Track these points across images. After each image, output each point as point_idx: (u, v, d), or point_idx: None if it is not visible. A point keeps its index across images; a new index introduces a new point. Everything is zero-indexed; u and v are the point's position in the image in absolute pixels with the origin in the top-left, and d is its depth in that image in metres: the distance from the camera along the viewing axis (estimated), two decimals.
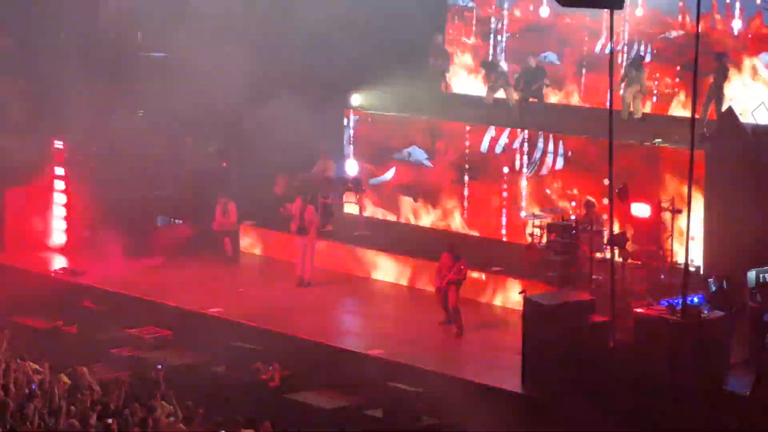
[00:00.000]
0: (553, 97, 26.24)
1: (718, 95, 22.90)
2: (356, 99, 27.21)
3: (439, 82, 27.30)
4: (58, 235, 26.30)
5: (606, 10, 19.26)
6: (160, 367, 19.42)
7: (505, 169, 24.80)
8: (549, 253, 21.10)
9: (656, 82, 25.07)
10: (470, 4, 27.92)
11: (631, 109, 23.86)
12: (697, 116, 19.71)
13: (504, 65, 26.71)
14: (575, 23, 26.25)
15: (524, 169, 24.58)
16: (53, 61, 27.60)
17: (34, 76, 28.02)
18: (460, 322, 20.73)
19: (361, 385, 19.54)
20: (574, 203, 23.51)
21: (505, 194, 24.83)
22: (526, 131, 24.58)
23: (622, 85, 23.76)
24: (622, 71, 24.05)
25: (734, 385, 17.95)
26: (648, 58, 25.19)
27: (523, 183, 24.58)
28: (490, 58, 27.33)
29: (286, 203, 24.11)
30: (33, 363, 18.65)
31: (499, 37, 27.46)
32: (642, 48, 25.24)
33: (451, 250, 21.05)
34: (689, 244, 18.74)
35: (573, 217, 22.13)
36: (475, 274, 22.47)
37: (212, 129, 27.66)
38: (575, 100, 26.35)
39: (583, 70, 26.21)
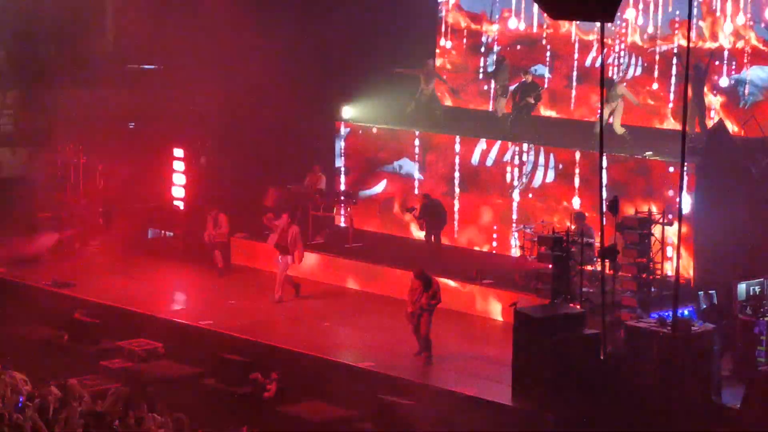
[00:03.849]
0: (544, 110, 26.26)
1: (699, 106, 22.98)
2: (347, 111, 27.24)
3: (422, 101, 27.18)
4: (48, 246, 26.25)
5: (597, 23, 19.39)
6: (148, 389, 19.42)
7: (496, 182, 24.84)
8: (539, 265, 21.09)
9: (640, 92, 25.16)
10: (461, 17, 27.95)
11: (610, 122, 23.87)
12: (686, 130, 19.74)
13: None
14: (566, 36, 26.30)
15: (515, 182, 24.62)
16: (44, 73, 27.64)
17: (25, 87, 28.06)
18: (429, 353, 20.17)
19: (351, 398, 19.52)
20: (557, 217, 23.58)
21: (495, 207, 24.86)
22: (517, 144, 24.61)
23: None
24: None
25: (725, 397, 17.97)
26: (639, 72, 25.25)
27: (514, 195, 24.61)
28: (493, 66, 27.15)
29: (271, 214, 23.96)
30: (20, 374, 18.63)
31: (490, 51, 27.53)
32: (632, 61, 25.30)
33: (419, 275, 20.29)
34: (679, 256, 18.77)
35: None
36: (458, 285, 22.57)
37: (203, 141, 27.71)
38: (565, 113, 26.38)
39: (574, 83, 26.26)
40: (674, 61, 24.83)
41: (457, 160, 25.48)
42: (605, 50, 24.48)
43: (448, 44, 28.03)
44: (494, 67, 26.59)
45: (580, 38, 26.11)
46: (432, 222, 24.44)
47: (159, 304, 23.34)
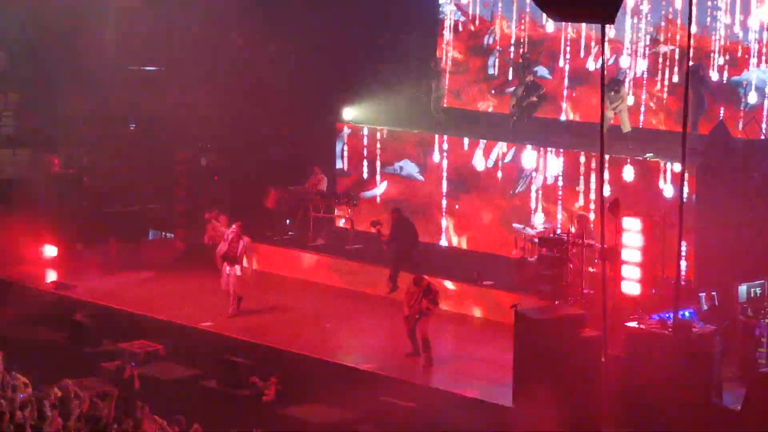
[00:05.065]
0: (545, 112, 26.24)
1: (700, 107, 22.97)
2: (348, 112, 27.23)
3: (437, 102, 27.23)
4: (49, 248, 26.25)
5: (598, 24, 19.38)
6: (133, 364, 19.52)
7: (497, 183, 24.83)
8: (540, 267, 21.09)
9: (645, 96, 25.16)
10: (462, 18, 27.94)
11: (613, 123, 23.86)
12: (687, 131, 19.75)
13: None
14: (567, 37, 26.29)
15: (516, 183, 24.60)
16: (46, 75, 27.65)
17: (26, 90, 28.08)
18: (429, 354, 20.22)
19: (352, 400, 19.51)
20: (564, 216, 23.57)
21: (496, 208, 24.85)
22: (518, 145, 24.60)
23: (607, 103, 23.73)
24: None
25: (726, 399, 17.96)
26: (640, 73, 25.24)
27: (515, 197, 24.59)
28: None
29: (210, 216, 23.40)
30: (21, 376, 18.63)
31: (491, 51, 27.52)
32: (633, 63, 25.30)
33: (419, 282, 20.29)
34: (680, 257, 18.76)
35: (561, 230, 22.17)
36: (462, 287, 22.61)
37: (204, 142, 27.72)
38: (566, 114, 26.37)
39: (575, 84, 26.25)
40: (674, 61, 24.83)
41: (458, 162, 25.47)
42: (606, 51, 24.56)
43: (450, 45, 28.01)
44: (521, 64, 26.40)
45: (582, 39, 26.08)
46: (402, 243, 23.12)
47: (160, 305, 23.33)
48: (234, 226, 22.84)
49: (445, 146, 25.65)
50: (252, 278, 22.91)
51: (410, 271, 22.52)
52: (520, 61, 26.36)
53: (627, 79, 25.00)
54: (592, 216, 22.45)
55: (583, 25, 25.02)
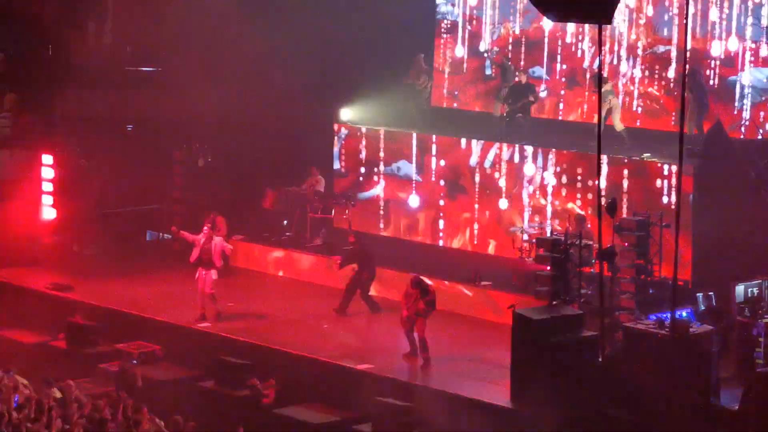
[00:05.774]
0: (541, 112, 26.25)
1: (699, 110, 23.00)
2: (346, 113, 27.24)
3: (424, 98, 27.34)
4: (46, 248, 26.25)
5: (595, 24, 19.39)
6: (135, 362, 19.53)
7: (494, 184, 24.84)
8: (538, 267, 21.09)
9: (640, 97, 25.17)
10: (458, 19, 27.93)
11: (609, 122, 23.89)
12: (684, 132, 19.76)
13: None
14: (564, 38, 26.30)
15: (514, 183, 24.61)
16: (42, 75, 27.64)
17: (22, 89, 28.05)
18: (427, 354, 20.28)
19: (350, 400, 19.52)
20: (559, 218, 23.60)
21: (494, 208, 24.85)
22: (515, 146, 24.61)
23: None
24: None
25: (723, 399, 17.97)
26: (637, 73, 25.26)
27: (512, 197, 24.59)
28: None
29: (180, 229, 23.28)
30: (20, 377, 18.65)
31: (487, 52, 27.51)
32: (631, 63, 25.32)
33: (417, 283, 20.36)
34: (677, 258, 18.77)
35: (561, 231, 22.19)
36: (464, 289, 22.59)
37: (202, 143, 27.71)
38: (563, 114, 26.37)
39: (572, 85, 26.25)
40: (673, 62, 24.85)
41: (455, 162, 25.47)
42: (602, 52, 24.59)
43: (447, 45, 28.02)
44: (500, 68, 26.46)
45: (578, 40, 26.10)
46: (360, 271, 22.94)
47: (157, 306, 23.32)
48: (205, 228, 22.68)
49: (443, 146, 25.65)
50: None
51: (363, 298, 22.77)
52: (502, 63, 26.42)
53: (619, 81, 25.02)
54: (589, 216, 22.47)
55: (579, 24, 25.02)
